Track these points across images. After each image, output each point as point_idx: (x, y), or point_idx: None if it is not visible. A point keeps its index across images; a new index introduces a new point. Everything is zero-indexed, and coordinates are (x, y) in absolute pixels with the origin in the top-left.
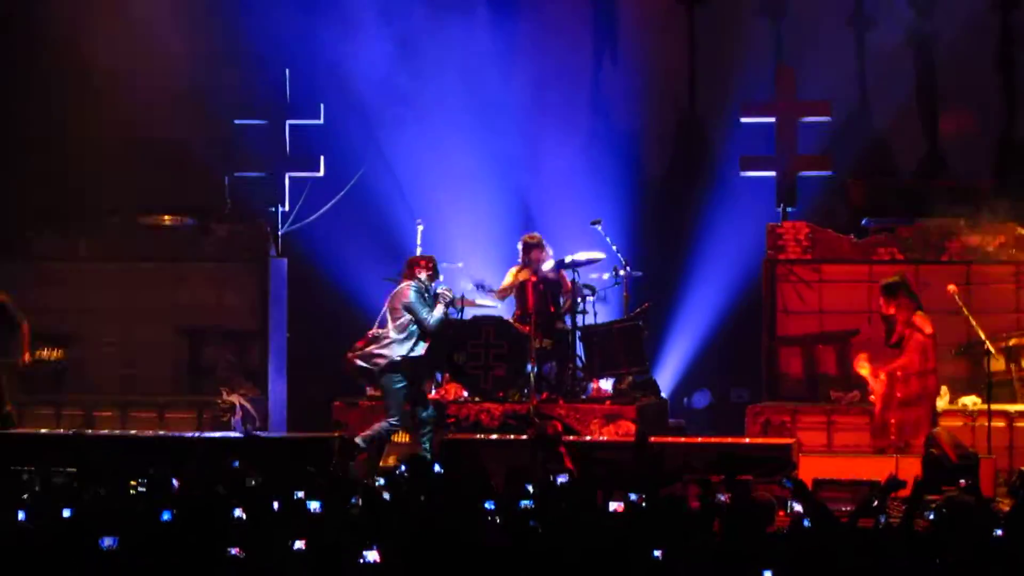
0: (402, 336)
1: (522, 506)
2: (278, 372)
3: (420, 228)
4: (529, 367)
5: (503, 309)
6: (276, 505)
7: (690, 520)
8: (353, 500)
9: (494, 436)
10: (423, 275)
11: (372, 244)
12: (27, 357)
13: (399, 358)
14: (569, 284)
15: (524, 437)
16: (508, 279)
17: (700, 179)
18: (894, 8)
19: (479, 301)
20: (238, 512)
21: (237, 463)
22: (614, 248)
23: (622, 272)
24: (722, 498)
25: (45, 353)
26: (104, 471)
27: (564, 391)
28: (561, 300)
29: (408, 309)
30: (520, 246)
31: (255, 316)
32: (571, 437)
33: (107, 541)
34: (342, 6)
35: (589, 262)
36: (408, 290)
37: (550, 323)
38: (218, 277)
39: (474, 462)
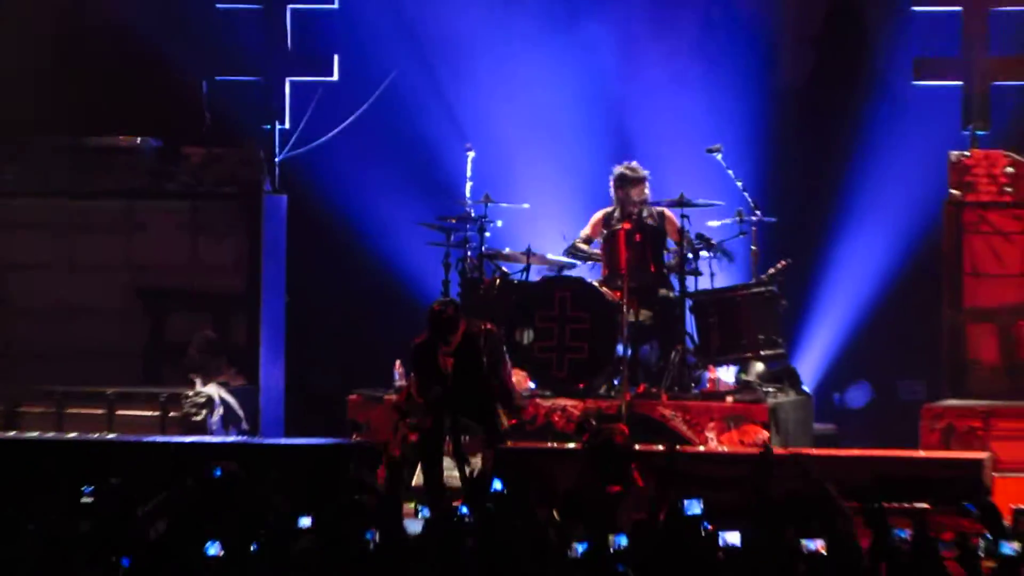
0: None
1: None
2: (273, 353)
3: (471, 156)
4: (620, 349)
5: (585, 269)
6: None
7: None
8: (369, 535)
9: (571, 445)
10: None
11: (404, 176)
12: None
13: None
14: (678, 235)
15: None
16: (589, 229)
17: (856, 91)
18: None
19: (551, 257)
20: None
21: (219, 471)
22: (739, 185)
23: (750, 218)
24: (902, 535)
25: None
26: (31, 491)
27: (669, 382)
28: (667, 257)
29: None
30: (612, 181)
31: (241, 275)
32: (678, 447)
33: None
34: None
35: (705, 205)
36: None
37: (651, 288)
38: (191, 220)
39: (542, 481)
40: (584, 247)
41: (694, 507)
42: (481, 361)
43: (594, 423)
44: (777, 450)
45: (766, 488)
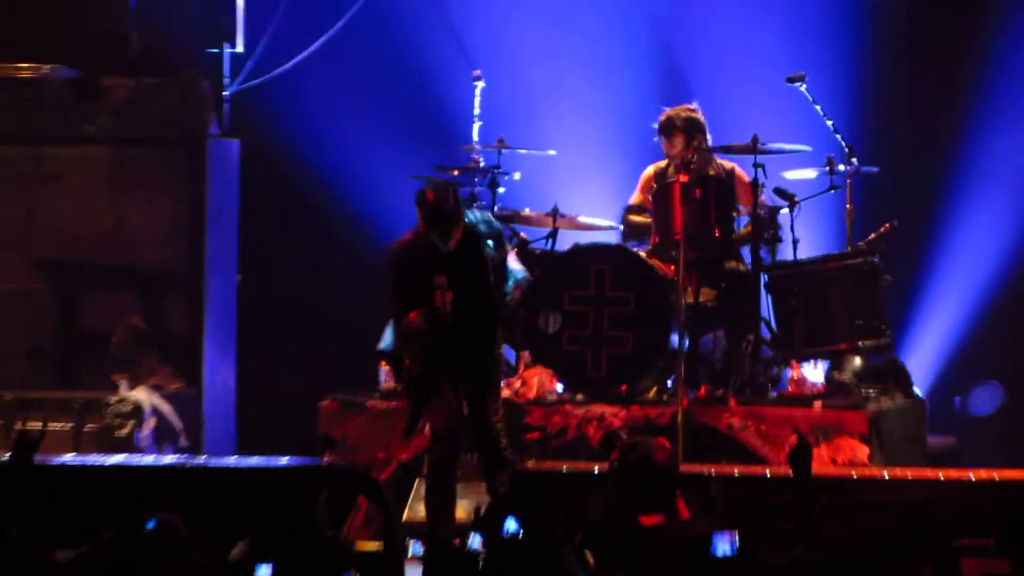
0: None
1: None
2: (221, 347)
3: (480, 87)
4: (675, 339)
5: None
6: None
7: None
8: None
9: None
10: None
11: (392, 115)
12: None
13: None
14: (750, 190)
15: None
16: (639, 192)
17: (986, 5)
18: None
19: (585, 220)
20: None
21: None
22: (829, 124)
23: (843, 167)
24: None
25: None
26: None
27: (739, 383)
28: (739, 223)
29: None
30: (662, 124)
31: (180, 245)
32: (742, 469)
33: None
34: None
35: (785, 151)
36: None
37: (715, 260)
38: (114, 174)
39: (571, 513)
40: (636, 218)
41: None
42: (487, 272)
43: (623, 436)
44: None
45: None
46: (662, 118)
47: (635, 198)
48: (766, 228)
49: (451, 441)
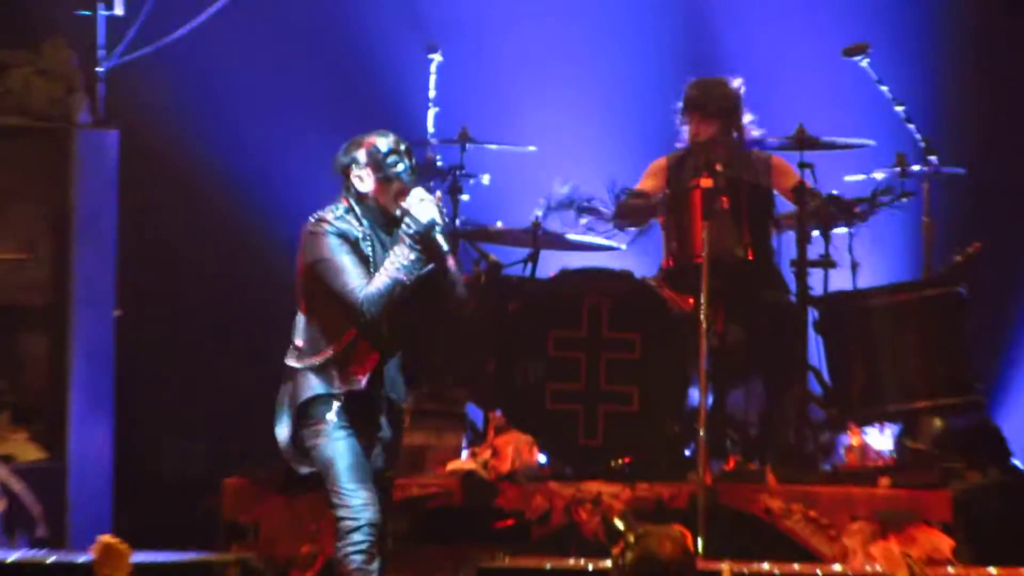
0: (311, 334)
1: None
2: (93, 404)
3: (436, 61)
4: (695, 395)
5: (635, 255)
6: None
7: None
8: None
9: (608, 563)
10: (362, 178)
11: (320, 97)
12: None
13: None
14: (795, 197)
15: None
16: (647, 181)
17: None
18: None
19: (575, 239)
20: None
21: None
22: (899, 111)
23: (917, 168)
24: None
25: None
26: None
27: (780, 453)
28: (775, 240)
29: (318, 271)
30: (693, 98)
31: (38, 269)
32: (794, 567)
33: None
34: None
35: (841, 147)
36: (318, 234)
37: (748, 289)
38: None
39: None
40: (636, 201)
41: None
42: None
43: (627, 524)
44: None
45: None
46: (693, 91)
47: (639, 186)
48: (815, 247)
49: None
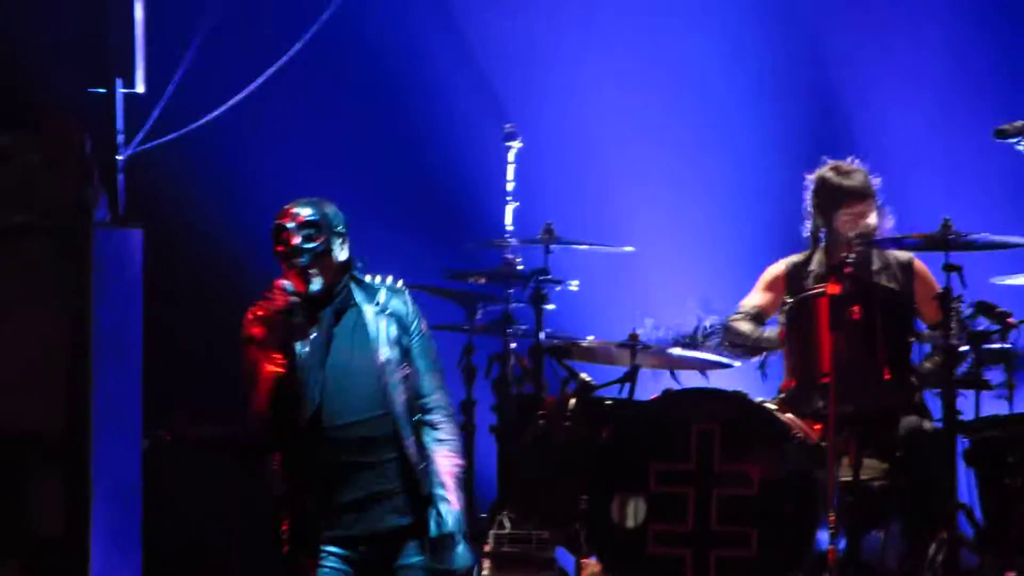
0: None
1: None
2: (119, 552)
3: (515, 149)
4: (825, 538)
5: (751, 374)
6: None
7: None
8: None
9: None
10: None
11: (379, 191)
12: None
13: None
14: (939, 305)
15: None
16: (761, 294)
17: None
18: None
19: (679, 353)
20: None
21: None
22: None
23: None
24: None
25: None
26: None
27: None
28: (917, 353)
29: None
30: (852, 189)
31: (51, 392)
32: None
33: None
34: None
35: (995, 247)
36: None
37: (885, 414)
38: None
39: None
40: (745, 327)
41: None
42: None
43: None
44: None
45: None
46: (831, 175)
47: (751, 302)
48: (964, 363)
49: None
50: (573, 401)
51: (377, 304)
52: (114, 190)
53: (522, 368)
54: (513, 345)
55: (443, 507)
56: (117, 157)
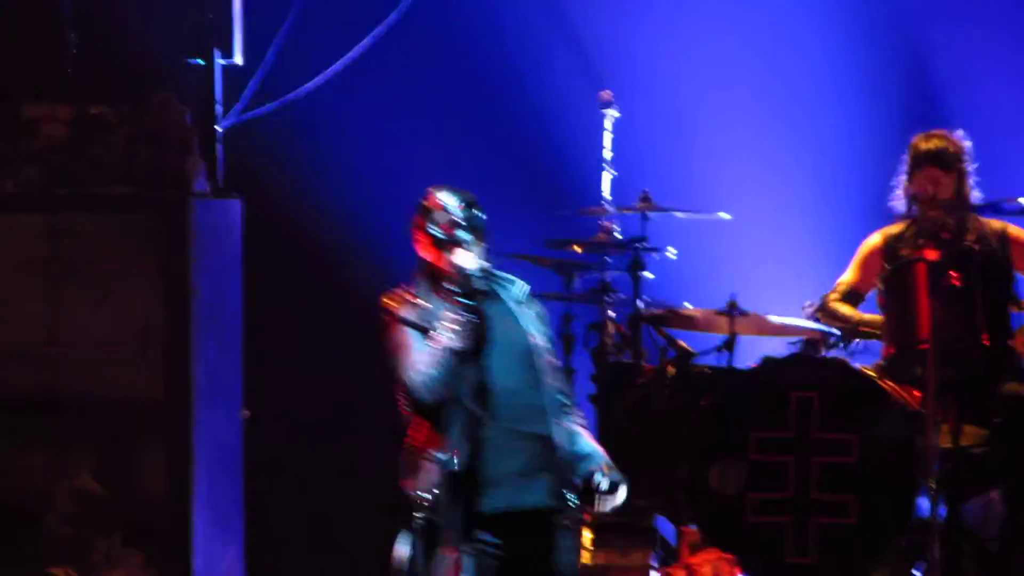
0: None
1: None
2: (221, 521)
3: (611, 117)
4: (926, 506)
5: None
6: None
7: None
8: None
9: None
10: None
11: (472, 160)
12: None
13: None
14: None
15: None
16: (855, 272)
17: None
18: None
19: (777, 321)
20: None
21: None
22: None
23: None
24: None
25: None
26: None
27: None
28: (1018, 318)
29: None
30: (926, 152)
31: (152, 363)
32: None
33: None
34: None
35: None
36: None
37: (986, 381)
38: (47, 254)
39: None
40: (843, 308)
41: None
42: None
43: None
44: None
45: None
46: (925, 142)
47: (846, 279)
48: None
49: None
50: (672, 369)
51: (515, 295)
52: (213, 161)
53: (621, 336)
54: (611, 313)
55: (603, 460)
56: (216, 128)
